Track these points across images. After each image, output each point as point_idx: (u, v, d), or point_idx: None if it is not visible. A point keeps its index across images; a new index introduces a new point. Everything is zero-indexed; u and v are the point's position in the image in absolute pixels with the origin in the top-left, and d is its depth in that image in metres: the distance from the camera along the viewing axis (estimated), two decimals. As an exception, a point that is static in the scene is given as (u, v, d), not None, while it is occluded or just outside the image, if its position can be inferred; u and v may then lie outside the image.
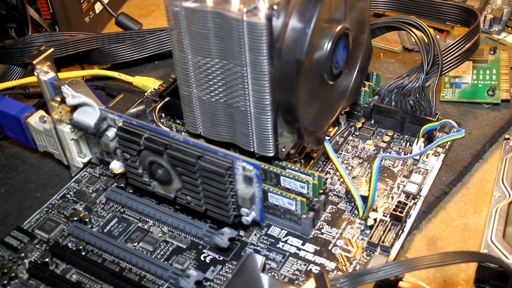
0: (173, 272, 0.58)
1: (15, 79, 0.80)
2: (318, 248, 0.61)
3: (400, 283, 0.55)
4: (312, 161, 0.70)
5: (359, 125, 0.74)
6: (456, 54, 0.72)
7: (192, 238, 0.63)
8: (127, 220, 0.66)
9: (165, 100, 0.75)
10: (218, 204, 0.59)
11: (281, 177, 0.62)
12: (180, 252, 0.62)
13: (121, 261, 0.61)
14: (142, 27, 0.94)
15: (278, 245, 0.62)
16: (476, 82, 0.80)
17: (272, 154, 0.60)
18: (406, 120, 0.72)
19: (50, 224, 0.65)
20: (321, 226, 0.63)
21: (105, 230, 0.65)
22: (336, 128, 0.75)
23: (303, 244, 0.62)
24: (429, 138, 0.71)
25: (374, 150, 0.72)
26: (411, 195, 0.65)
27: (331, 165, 0.70)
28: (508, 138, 0.72)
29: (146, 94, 0.81)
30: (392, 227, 0.62)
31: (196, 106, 0.62)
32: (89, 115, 0.62)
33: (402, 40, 0.91)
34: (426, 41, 0.69)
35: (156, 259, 0.61)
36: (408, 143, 0.73)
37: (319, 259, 0.60)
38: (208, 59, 0.57)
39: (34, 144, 0.72)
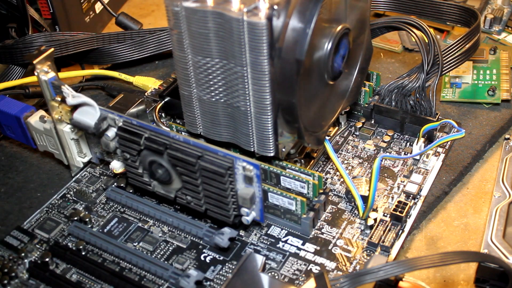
0: (173, 272, 0.58)
1: (15, 79, 0.80)
2: (318, 248, 0.61)
3: (400, 283, 0.55)
4: (312, 161, 0.70)
5: (359, 125, 0.74)
6: (456, 54, 0.72)
7: (192, 238, 0.63)
8: (127, 220, 0.66)
9: (165, 100, 0.75)
10: (218, 204, 0.59)
11: (281, 177, 0.62)
12: (180, 252, 0.62)
13: (121, 261, 0.61)
14: (142, 27, 0.94)
15: (278, 245, 0.62)
16: (476, 82, 0.80)
17: (272, 154, 0.60)
18: (406, 120, 0.72)
19: (50, 224, 0.65)
20: (321, 226, 0.63)
21: (105, 230, 0.65)
22: (336, 128, 0.75)
23: (303, 244, 0.62)
24: (429, 138, 0.71)
25: (374, 150, 0.72)
26: (411, 195, 0.65)
27: (331, 165, 0.70)
28: (508, 138, 0.72)
29: (146, 94, 0.80)
30: (392, 227, 0.62)
31: (196, 106, 0.62)
32: (89, 115, 0.62)
33: (402, 40, 0.91)
34: (427, 41, 0.69)
35: (156, 259, 0.60)
36: (408, 143, 0.73)
37: (319, 259, 0.60)
38: (209, 59, 0.57)
39: (34, 144, 0.72)
